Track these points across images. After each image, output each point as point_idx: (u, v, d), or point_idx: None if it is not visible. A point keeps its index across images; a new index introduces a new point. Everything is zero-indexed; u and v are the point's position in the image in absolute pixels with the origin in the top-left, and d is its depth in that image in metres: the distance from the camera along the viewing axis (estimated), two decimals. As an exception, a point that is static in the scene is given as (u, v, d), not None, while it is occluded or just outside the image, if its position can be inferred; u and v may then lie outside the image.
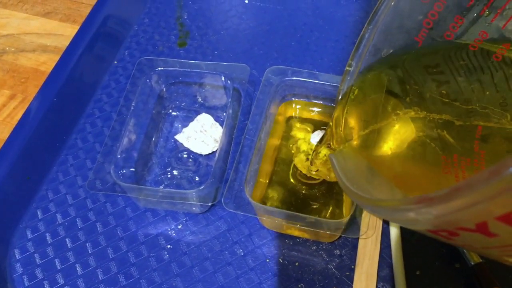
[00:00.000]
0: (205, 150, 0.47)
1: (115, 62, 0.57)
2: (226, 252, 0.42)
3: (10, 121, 0.53)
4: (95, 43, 0.56)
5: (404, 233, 0.42)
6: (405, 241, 0.41)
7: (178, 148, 0.49)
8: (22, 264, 0.43)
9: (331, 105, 0.47)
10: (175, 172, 0.47)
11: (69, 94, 0.52)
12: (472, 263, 0.38)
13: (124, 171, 0.45)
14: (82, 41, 0.55)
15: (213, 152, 0.48)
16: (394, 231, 0.41)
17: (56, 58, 0.55)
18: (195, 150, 0.48)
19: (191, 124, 0.49)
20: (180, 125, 0.50)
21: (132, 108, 0.46)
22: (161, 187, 0.46)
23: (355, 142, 0.34)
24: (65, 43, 0.57)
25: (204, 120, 0.49)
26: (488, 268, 0.38)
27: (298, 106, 0.48)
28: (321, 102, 0.47)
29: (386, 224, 0.42)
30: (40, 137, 0.48)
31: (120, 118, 0.46)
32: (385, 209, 0.20)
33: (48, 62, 0.58)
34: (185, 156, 0.48)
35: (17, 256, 0.43)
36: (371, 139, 0.33)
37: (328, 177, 0.43)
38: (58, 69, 0.53)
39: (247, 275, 0.41)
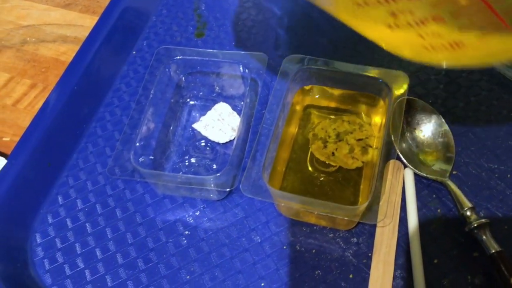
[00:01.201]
0: (222, 139, 0.48)
1: (134, 52, 0.57)
2: (243, 239, 0.43)
3: (31, 109, 0.54)
4: (114, 34, 0.56)
5: (422, 221, 0.42)
6: (422, 230, 0.41)
7: (196, 136, 0.49)
8: (43, 248, 0.44)
9: (349, 92, 0.47)
10: (192, 160, 0.47)
11: (89, 83, 0.53)
12: (492, 251, 0.38)
13: (142, 159, 0.45)
14: (101, 32, 0.56)
15: (231, 141, 0.48)
16: (412, 220, 0.41)
17: (75, 48, 0.56)
18: (212, 139, 0.48)
19: (209, 113, 0.49)
20: (197, 114, 0.51)
21: (151, 97, 0.47)
22: (180, 174, 0.46)
23: None
24: (84, 33, 0.58)
25: (222, 109, 0.49)
26: (507, 256, 0.38)
27: (315, 94, 0.48)
28: (338, 90, 0.47)
29: (403, 212, 0.42)
30: (60, 125, 0.49)
31: (139, 107, 0.47)
32: None
33: (68, 52, 0.59)
34: (202, 144, 0.48)
35: (38, 240, 0.44)
36: None
37: (345, 164, 0.43)
38: (78, 59, 0.54)
39: (264, 261, 0.41)
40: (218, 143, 0.48)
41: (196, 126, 0.49)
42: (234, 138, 0.48)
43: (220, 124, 0.48)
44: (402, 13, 0.26)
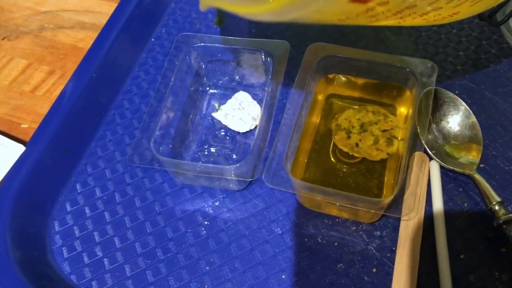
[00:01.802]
0: (242, 128, 0.47)
1: (152, 40, 0.57)
2: (263, 230, 0.42)
3: (49, 96, 0.54)
4: (132, 21, 0.56)
5: (448, 215, 0.41)
6: (449, 224, 0.40)
7: (215, 125, 0.48)
8: (61, 236, 0.43)
9: (373, 81, 0.46)
10: (212, 150, 0.47)
11: (107, 70, 0.52)
12: (521, 247, 0.36)
13: (162, 147, 0.44)
14: (120, 19, 0.55)
15: (251, 130, 0.47)
16: (438, 213, 0.40)
17: (94, 35, 0.55)
18: (232, 128, 0.47)
19: (229, 102, 0.49)
20: (217, 103, 0.50)
21: (171, 85, 0.46)
22: (199, 163, 0.46)
23: None
24: (102, 20, 0.57)
25: (242, 98, 0.48)
26: (536, 253, 0.36)
27: (338, 84, 0.47)
28: (362, 79, 0.46)
29: (429, 206, 0.41)
30: (79, 112, 0.49)
31: (158, 95, 0.46)
32: None
33: (86, 39, 0.59)
34: (222, 133, 0.48)
35: (57, 228, 0.44)
36: None
37: (369, 156, 0.42)
38: (96, 46, 0.53)
39: (285, 253, 0.40)
40: (238, 133, 0.47)
41: (215, 115, 0.48)
42: (254, 128, 0.47)
43: (240, 113, 0.47)
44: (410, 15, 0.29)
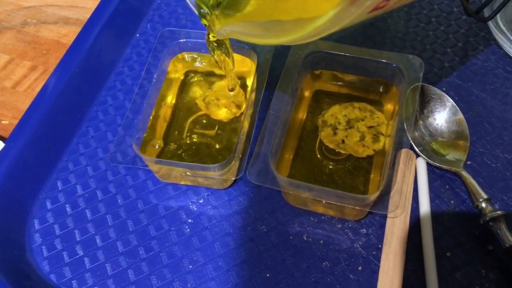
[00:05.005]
0: (226, 117, 0.46)
1: (137, 35, 0.56)
2: (248, 228, 0.41)
3: (31, 92, 0.53)
4: (117, 16, 0.55)
5: (435, 213, 0.40)
6: (435, 221, 0.40)
7: (199, 114, 0.47)
8: (41, 235, 0.42)
9: (360, 77, 0.45)
10: (194, 139, 0.45)
11: (90, 66, 0.51)
12: (507, 245, 0.36)
13: (144, 143, 0.44)
14: (104, 14, 0.54)
15: (234, 118, 0.46)
16: (424, 211, 0.40)
17: (77, 30, 0.54)
18: (215, 117, 0.46)
19: (214, 91, 0.48)
20: (201, 92, 0.49)
21: (154, 81, 0.45)
22: (180, 152, 0.44)
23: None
24: (86, 15, 0.56)
25: (227, 89, 0.48)
26: (523, 250, 0.36)
27: (325, 80, 0.46)
28: (349, 75, 0.46)
29: (415, 203, 0.41)
30: (61, 108, 0.48)
31: (142, 91, 0.45)
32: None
33: (69, 35, 0.57)
34: (204, 121, 0.46)
35: (37, 226, 0.43)
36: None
37: (355, 152, 0.41)
38: (79, 41, 0.52)
39: (270, 251, 0.40)
40: (221, 121, 0.46)
41: (199, 101, 0.47)
42: (238, 115, 0.46)
43: (224, 102, 0.46)
44: None
